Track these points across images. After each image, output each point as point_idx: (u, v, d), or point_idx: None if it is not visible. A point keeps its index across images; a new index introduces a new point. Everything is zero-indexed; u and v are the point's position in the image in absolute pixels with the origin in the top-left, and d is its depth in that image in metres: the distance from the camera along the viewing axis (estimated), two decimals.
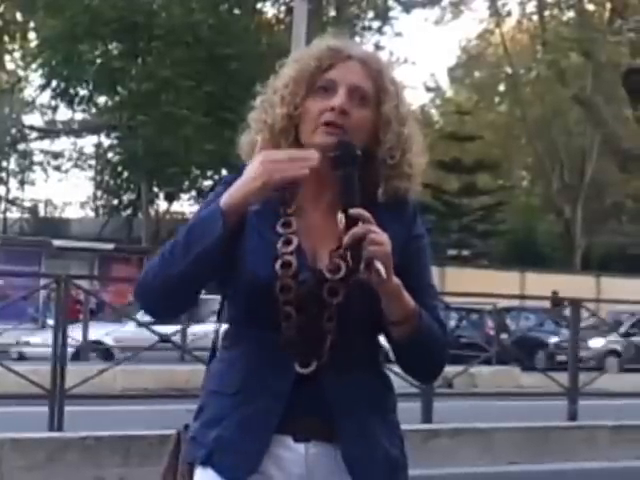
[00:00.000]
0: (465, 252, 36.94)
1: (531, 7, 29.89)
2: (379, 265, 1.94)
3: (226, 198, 2.00)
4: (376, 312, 2.03)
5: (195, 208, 26.75)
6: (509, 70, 37.66)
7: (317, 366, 2.05)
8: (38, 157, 38.42)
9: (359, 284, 2.00)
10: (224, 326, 2.19)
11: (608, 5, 27.69)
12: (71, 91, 32.13)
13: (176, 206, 38.98)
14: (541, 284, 29.10)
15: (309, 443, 2.06)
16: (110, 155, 36.67)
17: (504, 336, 22.56)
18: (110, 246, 27.66)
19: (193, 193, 34.76)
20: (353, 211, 1.95)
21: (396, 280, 1.99)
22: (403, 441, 2.18)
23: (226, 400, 2.09)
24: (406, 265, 2.08)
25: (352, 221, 1.95)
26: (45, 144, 37.96)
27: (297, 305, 2.04)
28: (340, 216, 1.98)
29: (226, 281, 2.10)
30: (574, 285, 28.61)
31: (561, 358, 20.09)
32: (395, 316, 2.03)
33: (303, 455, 2.06)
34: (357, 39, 36.13)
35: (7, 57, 36.49)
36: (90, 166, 40.22)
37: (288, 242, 2.08)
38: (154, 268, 2.07)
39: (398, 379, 9.73)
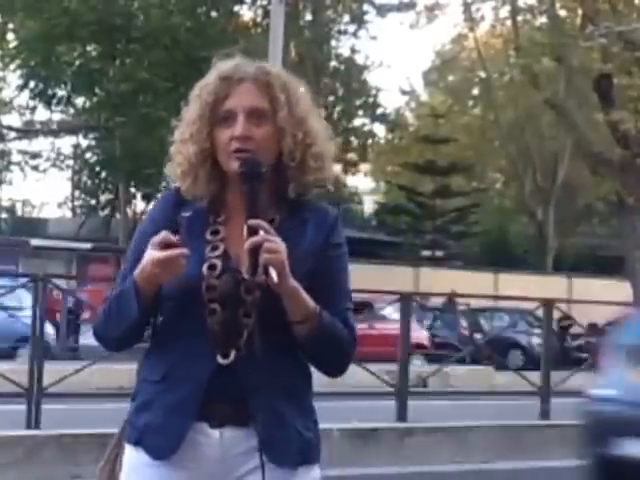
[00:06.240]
0: (439, 253, 37.18)
1: (504, 12, 30.10)
2: (272, 271, 2.16)
3: (137, 276, 2.24)
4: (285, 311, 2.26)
5: None
6: (483, 74, 37.88)
7: (236, 357, 2.25)
8: (16, 157, 38.25)
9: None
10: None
11: (580, 11, 28.01)
12: (49, 92, 32.19)
13: None
14: (514, 285, 29.44)
15: (224, 428, 2.27)
16: (88, 156, 36.76)
17: (478, 336, 22.82)
18: (88, 246, 27.69)
19: None
20: (251, 222, 2.19)
21: (293, 283, 2.20)
22: (317, 424, 2.38)
23: (153, 387, 2.31)
24: (321, 270, 2.31)
25: (253, 230, 2.18)
26: (23, 144, 37.86)
27: (221, 302, 2.26)
28: (245, 226, 2.22)
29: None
30: (546, 286, 28.96)
31: None
32: (295, 316, 2.24)
33: (218, 440, 2.27)
34: (333, 42, 36.43)
35: None
36: (68, 166, 40.15)
37: (215, 248, 2.30)
38: (100, 324, 2.37)
39: (373, 379, 9.93)
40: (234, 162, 2.29)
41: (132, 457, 2.33)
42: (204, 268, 2.28)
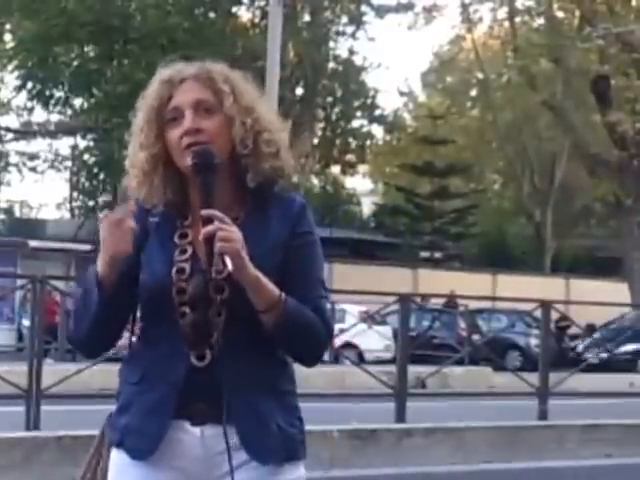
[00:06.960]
0: (437, 254, 37.26)
1: (502, 13, 30.16)
2: (227, 259, 2.17)
3: (98, 266, 2.27)
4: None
5: None
6: (481, 75, 37.95)
7: (211, 356, 2.26)
8: (14, 158, 38.24)
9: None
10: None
11: (577, 13, 28.08)
12: (47, 93, 32.14)
13: None
14: (512, 286, 29.49)
15: (205, 426, 2.28)
16: (86, 157, 36.66)
17: (476, 337, 22.85)
18: (86, 247, 27.69)
19: None
20: (204, 212, 2.20)
21: (254, 272, 2.20)
22: (302, 422, 2.37)
23: (132, 388, 2.34)
24: (291, 260, 2.31)
25: (209, 220, 2.18)
26: (21, 145, 37.84)
27: (191, 304, 2.27)
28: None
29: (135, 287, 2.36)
30: (544, 287, 29.01)
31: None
32: (260, 305, 2.23)
33: (199, 437, 2.28)
34: (331, 44, 36.43)
35: None
36: (66, 167, 40.10)
37: (183, 251, 2.32)
38: (71, 325, 2.38)
39: (372, 380, 9.97)
40: (187, 159, 2.28)
41: (116, 458, 2.36)
42: (173, 272, 2.30)
